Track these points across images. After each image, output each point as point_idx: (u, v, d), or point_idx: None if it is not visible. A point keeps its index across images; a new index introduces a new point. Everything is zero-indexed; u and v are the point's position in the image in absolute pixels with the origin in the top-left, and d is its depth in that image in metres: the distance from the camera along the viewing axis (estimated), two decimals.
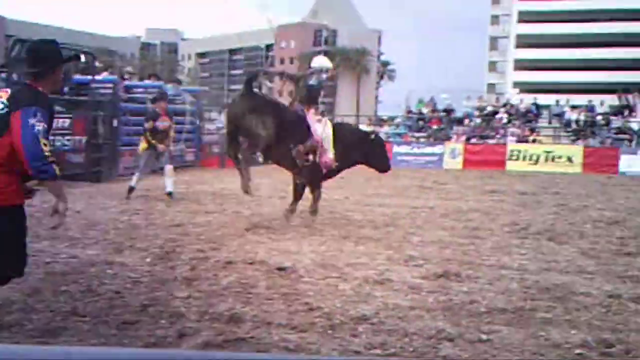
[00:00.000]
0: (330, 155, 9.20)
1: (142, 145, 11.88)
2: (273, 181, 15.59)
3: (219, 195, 12.56)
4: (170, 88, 19.78)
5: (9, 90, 4.35)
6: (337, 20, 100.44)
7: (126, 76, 21.80)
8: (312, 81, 9.60)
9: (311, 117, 9.24)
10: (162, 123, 11.86)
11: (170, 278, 6.02)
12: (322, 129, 9.19)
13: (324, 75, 9.77)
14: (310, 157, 9.07)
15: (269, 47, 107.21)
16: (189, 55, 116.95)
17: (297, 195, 9.76)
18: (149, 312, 5.02)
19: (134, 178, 11.90)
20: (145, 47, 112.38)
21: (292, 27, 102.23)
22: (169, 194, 11.79)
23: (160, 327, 4.72)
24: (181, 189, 13.27)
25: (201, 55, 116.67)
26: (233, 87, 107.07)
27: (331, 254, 7.25)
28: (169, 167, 11.95)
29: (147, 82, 20.81)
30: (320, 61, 9.91)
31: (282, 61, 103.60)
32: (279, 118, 8.75)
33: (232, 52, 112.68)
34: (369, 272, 6.45)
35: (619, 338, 4.73)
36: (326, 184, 14.91)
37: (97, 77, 17.08)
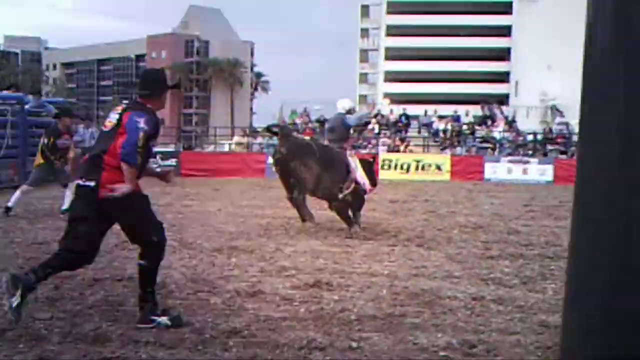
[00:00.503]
0: (366, 182, 10.16)
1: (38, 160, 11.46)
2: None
3: None
4: (31, 100, 18.94)
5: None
6: (208, 31, 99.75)
7: None
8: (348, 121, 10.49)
9: (346, 154, 10.20)
10: (64, 142, 11.44)
11: (31, 299, 5.71)
12: (354, 162, 10.12)
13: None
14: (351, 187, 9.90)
15: (139, 58, 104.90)
16: (54, 65, 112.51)
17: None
18: (7, 337, 4.74)
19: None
20: (5, 55, 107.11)
21: (162, 37, 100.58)
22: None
23: (19, 352, 4.47)
24: (47, 204, 12.72)
25: (68, 65, 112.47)
26: (103, 98, 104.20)
27: (202, 268, 7.14)
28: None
29: (5, 93, 19.83)
30: (343, 103, 10.65)
31: None
32: (321, 159, 9.67)
33: (100, 62, 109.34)
34: (241, 284, 6.40)
35: (480, 339, 4.91)
36: (199, 197, 14.80)
37: None
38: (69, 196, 10.90)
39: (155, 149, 21.48)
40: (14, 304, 4.81)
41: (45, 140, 11.40)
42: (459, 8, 68.88)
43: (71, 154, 11.68)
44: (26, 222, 10.49)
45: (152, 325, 5.00)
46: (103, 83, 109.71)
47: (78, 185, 5.28)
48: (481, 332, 5.07)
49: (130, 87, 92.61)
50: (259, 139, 27.79)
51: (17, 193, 11.53)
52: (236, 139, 28.61)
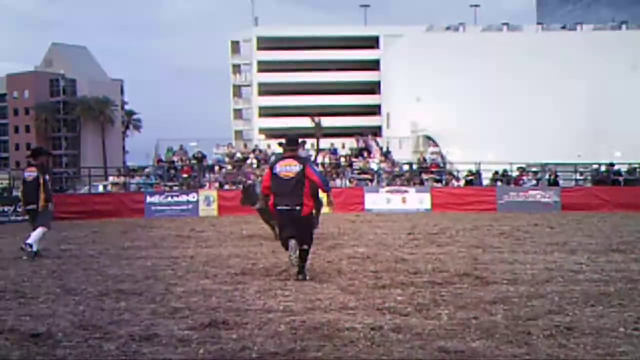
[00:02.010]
0: None
1: None
2: (16, 240, 14.49)
3: None
4: None
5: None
6: (74, 69, 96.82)
7: None
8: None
9: None
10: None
11: None
12: None
13: None
14: None
15: (0, 97, 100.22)
16: None
17: None
18: None
19: None
20: None
21: (24, 76, 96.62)
22: None
23: None
24: None
25: None
26: None
27: (90, 313, 6.80)
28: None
29: None
30: None
31: (16, 112, 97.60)
32: None
33: None
34: (134, 328, 6.13)
35: None
36: (77, 240, 14.18)
37: None
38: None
39: None
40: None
41: None
42: (327, 43, 70.26)
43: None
44: None
45: None
46: None
47: None
48: None
49: None
50: (137, 178, 27.10)
51: None
52: (112, 179, 27.78)
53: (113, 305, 7.21)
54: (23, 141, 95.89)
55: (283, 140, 9.26)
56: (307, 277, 8.76)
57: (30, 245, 11.51)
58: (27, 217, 12.57)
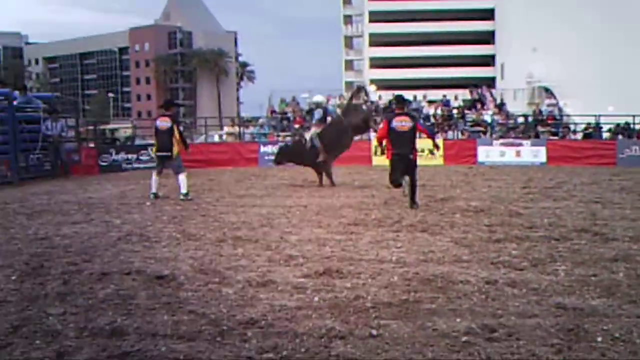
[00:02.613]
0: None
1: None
2: (140, 187, 15.18)
3: (85, 204, 11.99)
4: (18, 95, 18.76)
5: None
6: (191, 22, 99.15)
7: None
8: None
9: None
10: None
11: (41, 294, 5.63)
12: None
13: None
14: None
15: (122, 50, 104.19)
16: (36, 60, 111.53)
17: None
18: (22, 333, 4.66)
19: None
20: None
21: (145, 30, 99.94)
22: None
23: (37, 348, 4.39)
24: (43, 200, 12.60)
25: (50, 59, 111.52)
26: (87, 92, 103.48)
27: (209, 259, 7.07)
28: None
29: None
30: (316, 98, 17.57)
31: (137, 64, 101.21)
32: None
33: (83, 56, 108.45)
34: (250, 274, 6.33)
35: (500, 322, 4.88)
36: (195, 188, 14.69)
37: None
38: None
39: (146, 142, 21.56)
40: None
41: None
42: None
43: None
44: (25, 217, 10.35)
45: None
46: (87, 77, 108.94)
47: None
48: (499, 316, 5.03)
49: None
50: (251, 129, 27.65)
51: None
52: (227, 129, 28.45)
53: (230, 251, 7.47)
54: (144, 92, 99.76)
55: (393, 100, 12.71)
56: (419, 206, 11.01)
57: (185, 194, 12.58)
58: (155, 163, 13.54)
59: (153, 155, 13.88)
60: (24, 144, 17.71)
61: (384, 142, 11.42)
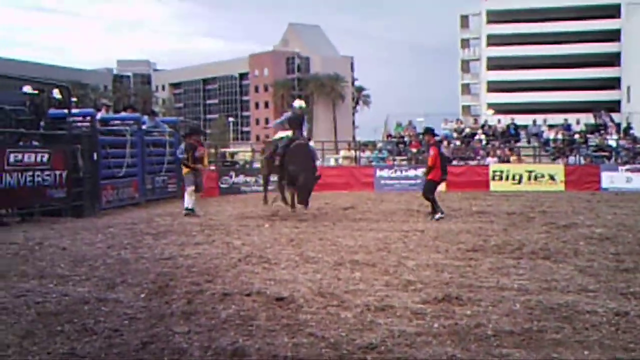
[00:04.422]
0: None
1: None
2: (259, 209, 15.49)
3: (207, 225, 12.37)
4: (147, 120, 19.66)
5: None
6: (308, 47, 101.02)
7: (102, 108, 21.57)
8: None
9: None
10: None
11: (167, 313, 5.84)
12: None
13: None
14: None
15: (242, 76, 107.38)
16: (162, 86, 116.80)
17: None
18: (150, 350, 4.84)
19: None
20: (118, 78, 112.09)
21: (264, 55, 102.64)
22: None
23: None
24: (167, 221, 13.10)
25: (175, 85, 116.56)
26: (209, 116, 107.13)
27: (327, 282, 7.11)
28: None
29: (123, 114, 20.66)
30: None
31: (256, 89, 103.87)
32: None
33: (205, 81, 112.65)
34: (369, 298, 6.32)
35: (633, 357, 4.65)
36: (314, 211, 14.86)
37: (74, 111, 16.83)
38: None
39: None
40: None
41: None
42: (561, 14, 66.93)
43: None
44: (151, 238, 10.79)
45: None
46: (209, 101, 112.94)
47: None
48: (632, 350, 4.78)
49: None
50: (367, 152, 27.76)
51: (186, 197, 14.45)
52: (343, 152, 28.67)
53: (348, 275, 7.49)
54: (262, 116, 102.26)
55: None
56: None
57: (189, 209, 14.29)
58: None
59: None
60: (151, 167, 18.52)
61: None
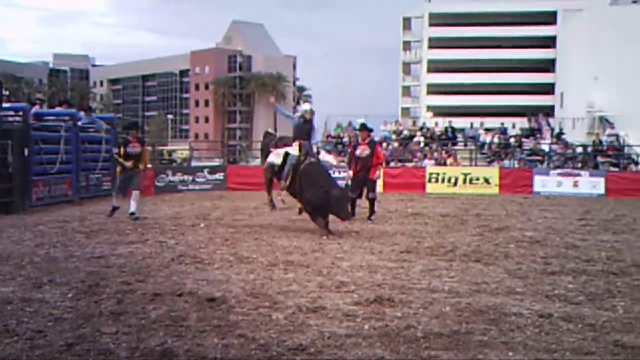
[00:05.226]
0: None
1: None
2: (193, 208, 15.37)
3: (140, 224, 12.19)
4: (82, 116, 19.27)
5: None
6: (251, 46, 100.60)
7: (37, 103, 21.04)
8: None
9: None
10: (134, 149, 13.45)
11: (95, 313, 5.73)
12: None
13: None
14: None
15: (183, 73, 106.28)
16: (100, 82, 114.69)
17: None
18: (75, 351, 4.74)
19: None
20: (54, 73, 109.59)
21: (206, 52, 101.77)
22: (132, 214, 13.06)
23: None
24: (100, 220, 12.86)
25: (113, 81, 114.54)
26: (148, 113, 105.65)
27: (260, 282, 7.09)
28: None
29: (58, 109, 20.21)
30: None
31: (197, 87, 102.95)
32: None
33: (145, 78, 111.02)
34: (301, 299, 6.33)
35: (554, 358, 4.77)
36: (249, 210, 14.81)
37: (5, 105, 16.37)
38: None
39: (202, 163, 21.99)
40: None
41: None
42: (501, 19, 68.08)
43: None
44: (83, 236, 10.57)
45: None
46: (147, 98, 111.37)
47: None
48: (554, 351, 4.91)
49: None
50: None
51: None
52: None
53: (282, 276, 7.48)
54: (202, 114, 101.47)
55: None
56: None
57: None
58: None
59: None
60: (86, 164, 18.15)
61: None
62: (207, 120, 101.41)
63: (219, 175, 23.43)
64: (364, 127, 14.23)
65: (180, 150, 40.08)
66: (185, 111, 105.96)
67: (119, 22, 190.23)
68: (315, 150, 12.78)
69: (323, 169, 12.12)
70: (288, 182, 11.78)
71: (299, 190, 11.61)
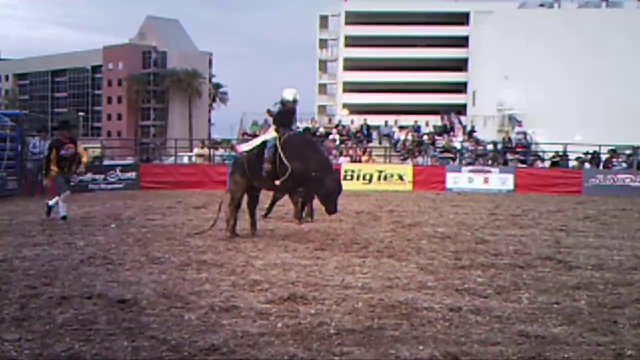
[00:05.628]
0: None
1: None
2: (105, 208, 15.04)
3: (48, 225, 11.81)
4: None
5: None
6: (166, 42, 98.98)
7: None
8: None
9: None
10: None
11: None
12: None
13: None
14: None
15: (95, 69, 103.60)
16: (6, 77, 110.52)
17: None
18: None
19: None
20: None
21: (119, 48, 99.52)
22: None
23: None
24: (4, 221, 12.39)
25: (20, 76, 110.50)
26: (57, 110, 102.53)
27: (173, 283, 6.98)
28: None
29: None
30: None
31: (110, 83, 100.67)
32: None
33: (55, 73, 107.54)
34: (214, 299, 6.26)
35: (463, 350, 4.87)
36: (162, 210, 14.57)
37: None
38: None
39: (115, 162, 21.50)
40: None
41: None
42: (416, 19, 69.35)
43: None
44: None
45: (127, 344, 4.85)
46: (57, 95, 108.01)
47: None
48: (462, 344, 5.02)
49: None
50: (220, 150, 27.56)
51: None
52: (196, 150, 28.32)
53: (194, 276, 7.38)
54: (115, 111, 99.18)
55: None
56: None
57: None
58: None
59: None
60: None
61: None
62: (120, 117, 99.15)
63: (132, 174, 22.96)
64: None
65: (92, 148, 39.07)
66: (97, 108, 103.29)
67: (29, 15, 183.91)
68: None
69: (317, 147, 11.08)
70: (270, 165, 10.25)
71: (280, 169, 10.13)
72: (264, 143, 10.60)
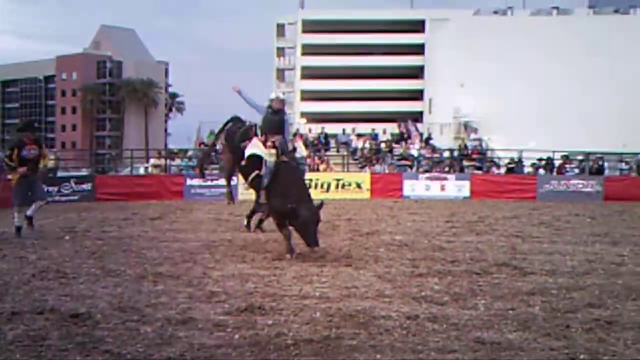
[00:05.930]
0: None
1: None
2: (59, 220, 14.80)
3: None
4: None
5: None
6: (121, 51, 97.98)
7: None
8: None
9: None
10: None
11: None
12: None
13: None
14: None
15: (48, 79, 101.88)
16: None
17: None
18: None
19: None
20: None
21: (73, 58, 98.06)
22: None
23: None
24: None
25: None
26: (9, 121, 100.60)
27: (128, 296, 6.88)
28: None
29: None
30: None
31: (63, 93, 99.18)
32: None
33: (5, 83, 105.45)
34: (170, 312, 6.19)
35: (419, 358, 4.90)
36: (118, 222, 14.39)
37: None
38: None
39: (69, 174, 21.06)
40: None
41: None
42: (373, 27, 69.73)
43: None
44: None
45: None
46: (8, 105, 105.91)
47: None
48: (419, 352, 5.04)
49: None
50: (177, 161, 27.33)
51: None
52: (152, 161, 28.02)
53: (151, 288, 7.29)
54: (69, 122, 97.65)
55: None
56: None
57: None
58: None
59: None
60: None
61: None
62: (74, 128, 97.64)
63: (87, 186, 22.62)
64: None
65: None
66: (50, 119, 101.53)
67: None
68: (290, 147, 10.67)
69: (298, 175, 10.58)
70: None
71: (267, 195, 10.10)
72: (259, 158, 10.27)
